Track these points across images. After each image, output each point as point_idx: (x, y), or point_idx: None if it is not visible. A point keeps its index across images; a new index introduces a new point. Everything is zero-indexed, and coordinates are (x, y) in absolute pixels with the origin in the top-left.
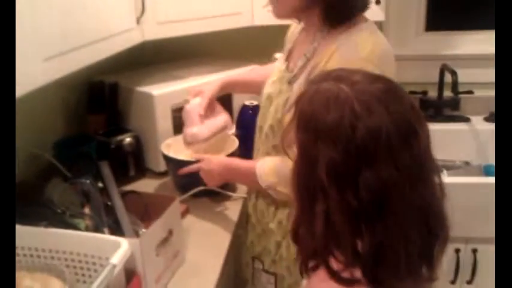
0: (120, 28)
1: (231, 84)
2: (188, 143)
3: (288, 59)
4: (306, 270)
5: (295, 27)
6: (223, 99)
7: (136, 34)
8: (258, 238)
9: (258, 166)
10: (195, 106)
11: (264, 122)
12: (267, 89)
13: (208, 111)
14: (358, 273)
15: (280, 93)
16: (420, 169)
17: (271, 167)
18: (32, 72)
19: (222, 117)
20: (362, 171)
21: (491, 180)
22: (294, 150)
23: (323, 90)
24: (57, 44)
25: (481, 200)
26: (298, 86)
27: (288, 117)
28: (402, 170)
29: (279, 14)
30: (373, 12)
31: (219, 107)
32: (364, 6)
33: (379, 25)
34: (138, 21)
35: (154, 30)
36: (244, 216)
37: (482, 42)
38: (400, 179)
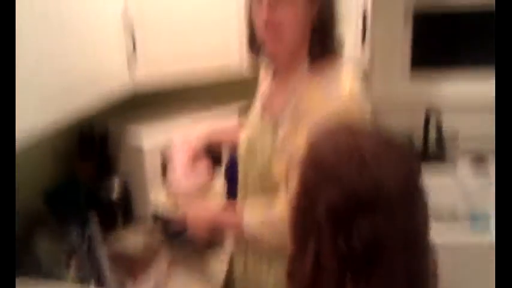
0: (110, 68)
1: (219, 135)
2: (172, 193)
3: (264, 108)
4: None
5: (262, 78)
6: (211, 148)
7: (127, 75)
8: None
9: (245, 218)
10: (180, 156)
11: (250, 168)
12: (247, 134)
13: (194, 162)
14: None
15: (265, 140)
16: (416, 235)
17: (259, 218)
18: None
19: (206, 168)
20: (358, 219)
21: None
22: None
23: (337, 135)
24: (46, 89)
25: (469, 260)
26: (283, 130)
27: (278, 164)
28: (398, 229)
29: (278, 52)
30: (357, 61)
31: (204, 158)
32: (339, 45)
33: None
34: (129, 60)
35: (145, 71)
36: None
37: (465, 87)
38: (394, 237)
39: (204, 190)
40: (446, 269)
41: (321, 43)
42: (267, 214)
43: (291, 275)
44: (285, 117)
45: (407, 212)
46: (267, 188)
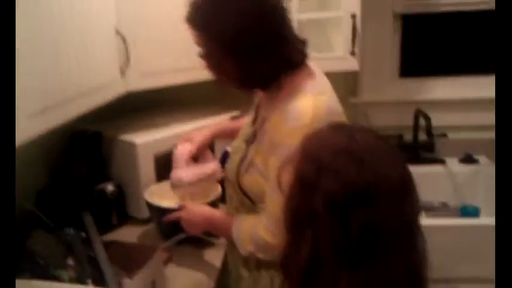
0: (104, 81)
1: (220, 132)
2: (173, 187)
3: (256, 114)
4: None
5: None
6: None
7: (120, 86)
8: (234, 282)
9: (234, 232)
10: (183, 151)
11: (228, 172)
12: (234, 142)
13: (199, 157)
14: None
15: (238, 151)
16: (410, 225)
17: (247, 235)
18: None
19: (210, 165)
20: (356, 209)
21: (468, 222)
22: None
23: (333, 136)
24: (40, 100)
25: (459, 241)
26: (253, 148)
27: (246, 178)
28: (394, 219)
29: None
30: (348, 63)
31: (209, 155)
32: (294, 65)
33: (354, 73)
34: (122, 73)
35: (138, 82)
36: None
37: (453, 87)
38: (391, 227)
39: (208, 183)
40: (439, 248)
41: (265, 71)
42: (255, 232)
43: (284, 266)
44: (256, 137)
45: (403, 203)
46: (239, 195)
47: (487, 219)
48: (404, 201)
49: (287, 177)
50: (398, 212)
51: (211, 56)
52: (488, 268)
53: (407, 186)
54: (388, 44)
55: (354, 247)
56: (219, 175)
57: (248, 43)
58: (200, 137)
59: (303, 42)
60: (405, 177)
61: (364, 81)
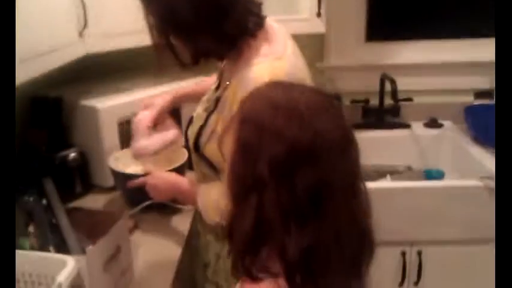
0: (62, 42)
1: (184, 97)
2: (135, 156)
3: (219, 79)
4: (237, 271)
5: None
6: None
7: (78, 47)
8: (203, 248)
9: (199, 202)
10: (143, 119)
11: (189, 138)
12: (198, 108)
13: (159, 124)
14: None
15: (200, 119)
16: (353, 180)
17: (213, 206)
18: None
19: (172, 131)
20: (303, 170)
21: (434, 184)
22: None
23: (272, 93)
24: None
25: (424, 203)
26: (215, 116)
27: (209, 146)
28: (339, 174)
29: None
30: (314, 25)
31: (170, 121)
32: (249, 30)
33: (320, 37)
34: (80, 34)
35: (97, 43)
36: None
37: (419, 51)
38: (335, 184)
39: (172, 149)
40: (403, 211)
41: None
42: (221, 201)
43: (231, 234)
44: (217, 105)
45: (345, 160)
46: (199, 163)
47: (451, 182)
48: (346, 156)
49: (228, 145)
50: (341, 167)
51: (159, 37)
52: (452, 230)
53: (348, 141)
54: (354, 8)
55: (300, 207)
56: (181, 142)
57: (192, 15)
58: (161, 102)
59: (258, 5)
60: (346, 132)
61: (331, 45)
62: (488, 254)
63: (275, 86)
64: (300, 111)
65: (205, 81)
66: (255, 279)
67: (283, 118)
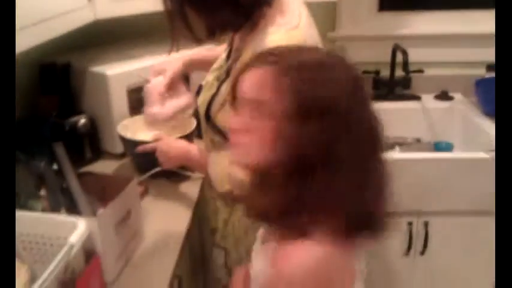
0: (71, 6)
1: (195, 62)
2: (149, 123)
3: (230, 48)
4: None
5: None
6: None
7: (87, 12)
8: (212, 213)
9: (210, 170)
10: (156, 85)
11: (200, 107)
12: (208, 75)
13: (171, 90)
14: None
15: (211, 88)
16: (366, 138)
17: (224, 174)
18: None
19: (185, 97)
20: (311, 125)
21: (442, 155)
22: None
23: (277, 52)
24: None
25: (431, 175)
26: (227, 85)
27: (221, 114)
28: (349, 132)
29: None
30: None
31: (182, 86)
32: (263, 1)
33: (333, 6)
34: None
35: (107, 8)
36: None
37: (432, 23)
38: (346, 140)
39: (184, 116)
40: (412, 181)
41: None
42: (231, 170)
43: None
44: (229, 74)
45: (356, 117)
46: (208, 132)
47: (459, 154)
48: (357, 114)
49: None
50: (352, 124)
51: (174, 7)
52: (459, 202)
53: (360, 99)
54: None
55: (310, 160)
56: (193, 108)
57: None
58: (173, 68)
59: None
60: (357, 90)
61: (343, 15)
62: (493, 225)
63: (280, 48)
64: (308, 66)
65: (216, 49)
66: (303, 234)
67: (291, 74)
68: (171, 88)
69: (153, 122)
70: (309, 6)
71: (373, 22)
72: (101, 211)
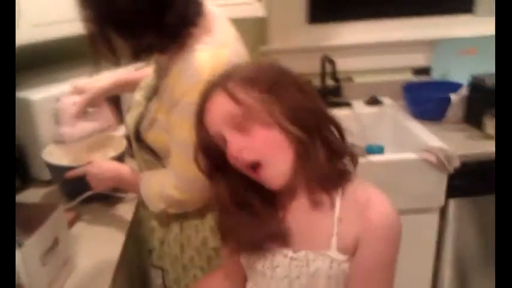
0: None
1: (122, 83)
2: (57, 142)
3: (158, 66)
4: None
5: None
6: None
7: None
8: (148, 234)
9: (142, 190)
10: (68, 105)
11: (128, 124)
12: (135, 94)
13: (94, 110)
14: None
15: (139, 106)
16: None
17: (156, 194)
18: None
19: (105, 118)
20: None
21: (373, 158)
22: None
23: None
24: None
25: (364, 178)
26: (155, 104)
27: (150, 134)
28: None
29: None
30: (254, 8)
31: (104, 107)
32: (190, 21)
33: (263, 20)
34: None
35: (28, 34)
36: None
37: (359, 33)
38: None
39: (105, 140)
40: None
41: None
42: (162, 187)
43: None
44: (156, 93)
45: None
46: (139, 150)
47: (390, 156)
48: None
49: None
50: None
51: (96, 31)
52: (392, 201)
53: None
54: None
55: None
56: (114, 128)
57: (132, 9)
58: (93, 89)
59: None
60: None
61: (273, 28)
62: (427, 222)
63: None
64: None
65: (144, 69)
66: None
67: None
68: (93, 107)
69: (61, 143)
70: (239, 21)
71: (302, 35)
72: (24, 243)
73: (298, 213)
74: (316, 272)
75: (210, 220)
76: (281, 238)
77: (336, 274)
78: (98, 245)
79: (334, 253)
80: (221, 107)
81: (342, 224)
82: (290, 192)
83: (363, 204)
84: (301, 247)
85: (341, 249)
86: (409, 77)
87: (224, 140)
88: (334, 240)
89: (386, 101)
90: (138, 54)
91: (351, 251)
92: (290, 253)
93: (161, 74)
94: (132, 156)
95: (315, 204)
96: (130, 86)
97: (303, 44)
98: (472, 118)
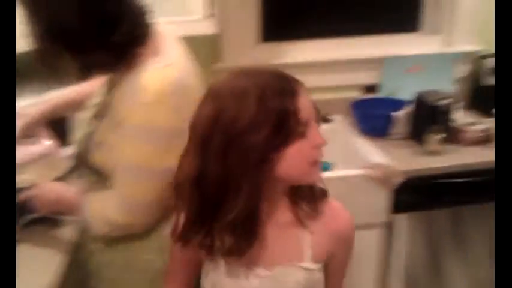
0: None
1: (62, 105)
2: None
3: (107, 84)
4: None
5: None
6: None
7: None
8: (88, 256)
9: (84, 213)
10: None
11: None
12: (81, 114)
13: (33, 135)
14: None
15: (83, 126)
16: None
17: (99, 217)
18: None
19: (43, 144)
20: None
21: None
22: None
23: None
24: None
25: None
26: (103, 124)
27: (98, 155)
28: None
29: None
30: (206, 26)
31: (42, 132)
32: (137, 42)
33: (216, 38)
34: None
35: None
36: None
37: (310, 51)
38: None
39: (47, 164)
40: None
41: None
42: (106, 211)
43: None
44: (104, 112)
45: None
46: (84, 171)
47: (336, 172)
48: None
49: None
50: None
51: (43, 48)
52: None
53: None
54: (248, 8)
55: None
56: (55, 153)
57: (79, 28)
58: (31, 113)
59: (147, 13)
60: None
61: (226, 46)
62: (374, 237)
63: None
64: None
65: (86, 87)
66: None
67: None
68: (30, 133)
69: None
70: (192, 39)
71: (255, 53)
72: None
73: (276, 228)
74: (292, 286)
75: (154, 241)
76: (256, 261)
77: (311, 285)
78: (38, 269)
79: (308, 264)
80: (309, 99)
81: (314, 236)
82: (273, 206)
83: (329, 216)
84: (275, 262)
85: (315, 259)
86: (360, 94)
87: (306, 125)
88: (309, 252)
89: (337, 118)
90: (85, 72)
91: (323, 259)
92: (263, 272)
93: (110, 93)
94: (80, 176)
95: (296, 219)
96: (74, 106)
97: (255, 62)
98: (417, 134)
